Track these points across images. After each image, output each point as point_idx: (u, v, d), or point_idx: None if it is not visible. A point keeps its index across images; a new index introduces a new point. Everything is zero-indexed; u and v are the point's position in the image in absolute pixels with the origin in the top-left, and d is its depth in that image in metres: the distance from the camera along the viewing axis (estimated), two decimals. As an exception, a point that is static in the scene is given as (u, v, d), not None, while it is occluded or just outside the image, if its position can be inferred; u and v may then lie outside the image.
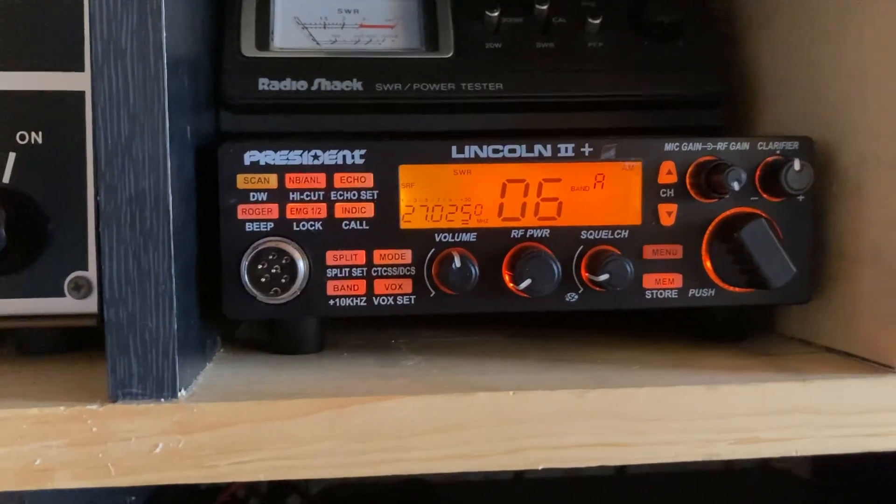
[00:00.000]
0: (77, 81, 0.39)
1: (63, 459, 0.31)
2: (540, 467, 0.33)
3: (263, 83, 0.42)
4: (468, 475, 0.71)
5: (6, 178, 0.38)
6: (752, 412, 0.34)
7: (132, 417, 0.31)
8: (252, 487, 0.68)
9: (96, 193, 0.37)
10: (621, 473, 0.70)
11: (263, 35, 0.43)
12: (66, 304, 0.38)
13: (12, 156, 0.38)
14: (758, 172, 0.38)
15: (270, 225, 0.37)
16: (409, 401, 0.32)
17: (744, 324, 0.43)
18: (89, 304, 0.38)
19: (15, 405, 0.32)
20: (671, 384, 0.34)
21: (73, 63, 0.39)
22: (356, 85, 0.43)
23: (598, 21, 0.44)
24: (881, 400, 0.34)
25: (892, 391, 0.34)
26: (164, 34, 0.31)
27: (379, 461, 0.32)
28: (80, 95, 0.39)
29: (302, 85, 0.42)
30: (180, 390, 0.32)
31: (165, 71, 0.31)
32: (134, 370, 0.32)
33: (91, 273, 0.38)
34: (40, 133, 0.38)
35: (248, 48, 0.43)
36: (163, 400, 0.32)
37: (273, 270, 0.36)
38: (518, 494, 0.60)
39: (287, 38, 0.44)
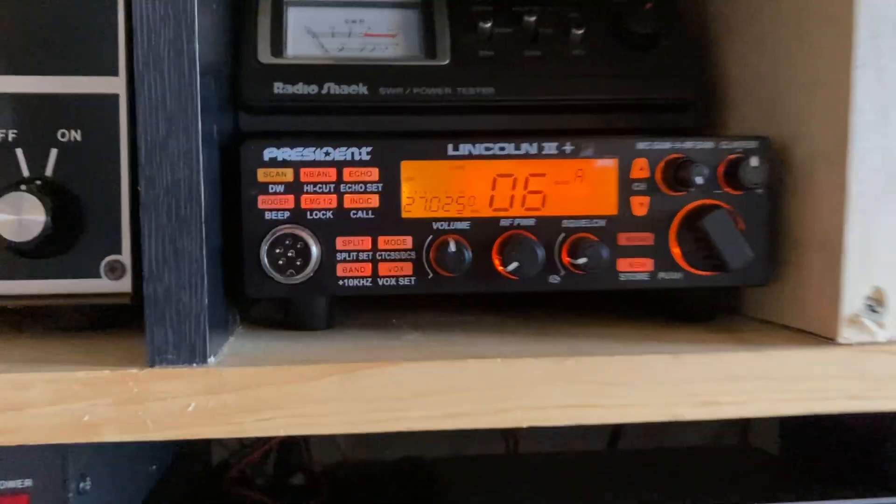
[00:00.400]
0: (112, 85, 0.43)
1: (108, 416, 0.36)
2: (524, 426, 0.38)
3: (278, 87, 0.46)
4: (464, 452, 0.75)
5: (49, 172, 0.42)
6: (712, 378, 0.38)
7: (168, 380, 0.36)
8: (259, 466, 0.72)
9: (134, 184, 0.42)
10: (612, 447, 0.75)
11: (278, 43, 0.48)
12: (102, 285, 0.42)
13: (54, 152, 0.42)
14: (720, 168, 0.43)
15: (287, 214, 0.41)
16: (409, 366, 0.37)
17: (710, 305, 0.47)
18: (124, 285, 0.42)
19: (65, 370, 0.36)
20: (641, 354, 0.38)
21: (108, 69, 0.43)
22: (361, 89, 0.47)
23: (581, 31, 0.49)
24: (824, 368, 0.39)
25: (833, 360, 0.39)
26: (197, 45, 0.36)
27: (383, 419, 0.37)
28: (114, 98, 0.43)
29: (313, 89, 0.47)
30: (210, 357, 0.37)
31: (198, 77, 0.36)
32: (169, 339, 0.36)
33: (125, 256, 0.42)
34: (79, 131, 0.43)
35: (264, 55, 0.47)
36: (195, 365, 0.36)
37: (289, 254, 0.41)
38: (512, 469, 0.65)
39: (299, 46, 0.49)
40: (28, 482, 0.41)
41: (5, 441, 0.36)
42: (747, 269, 0.42)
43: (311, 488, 0.67)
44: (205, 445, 0.70)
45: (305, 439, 0.70)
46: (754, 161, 0.42)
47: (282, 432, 0.36)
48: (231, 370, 0.36)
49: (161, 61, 0.36)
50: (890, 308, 0.39)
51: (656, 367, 0.38)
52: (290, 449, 0.73)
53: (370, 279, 0.42)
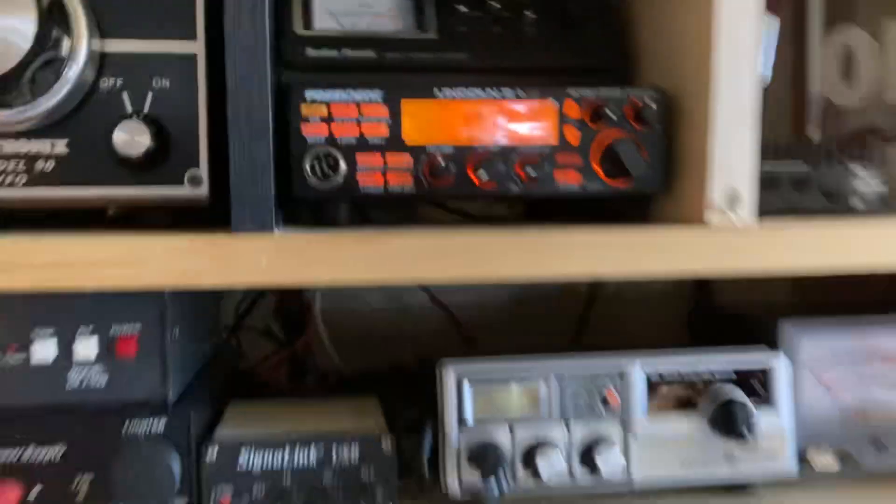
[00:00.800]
0: (192, 47, 0.59)
1: (205, 269, 0.52)
2: (493, 280, 0.55)
3: (310, 51, 0.63)
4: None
5: (147, 109, 0.58)
6: (611, 248, 0.56)
7: (247, 243, 0.52)
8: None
9: (210, 119, 0.57)
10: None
11: (308, 19, 0.64)
12: (185, 191, 0.58)
13: (150, 94, 0.58)
14: (628, 110, 0.60)
15: (322, 138, 0.58)
16: (415, 237, 0.54)
17: (626, 210, 0.65)
18: (202, 191, 0.58)
19: (172, 238, 0.52)
20: (565, 232, 0.56)
21: (190, 35, 0.59)
22: (370, 53, 0.64)
23: (532, 15, 0.66)
24: (698, 242, 0.56)
25: (705, 237, 0.56)
26: (266, 14, 0.53)
27: (399, 275, 0.53)
28: (193, 56, 0.59)
29: (334, 53, 0.63)
30: (275, 229, 0.53)
31: (267, 38, 0.53)
32: (247, 214, 0.53)
33: (202, 170, 0.58)
34: (168, 80, 0.58)
35: (298, 28, 0.64)
36: (265, 233, 0.53)
37: (324, 167, 0.57)
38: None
39: (322, 22, 0.65)
40: (138, 327, 0.57)
41: (137, 284, 0.52)
42: (648, 181, 0.60)
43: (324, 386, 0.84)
44: (235, 350, 0.87)
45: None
46: (651, 105, 0.60)
47: (325, 281, 0.53)
48: (290, 237, 0.53)
49: (243, 24, 0.52)
50: (742, 202, 0.57)
51: (576, 239, 0.55)
52: (305, 360, 0.90)
53: (382, 187, 0.59)
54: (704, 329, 0.81)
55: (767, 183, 0.67)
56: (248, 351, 0.90)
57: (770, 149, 0.66)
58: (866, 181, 0.70)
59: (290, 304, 0.94)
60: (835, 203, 0.69)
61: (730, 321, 0.76)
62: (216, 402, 0.69)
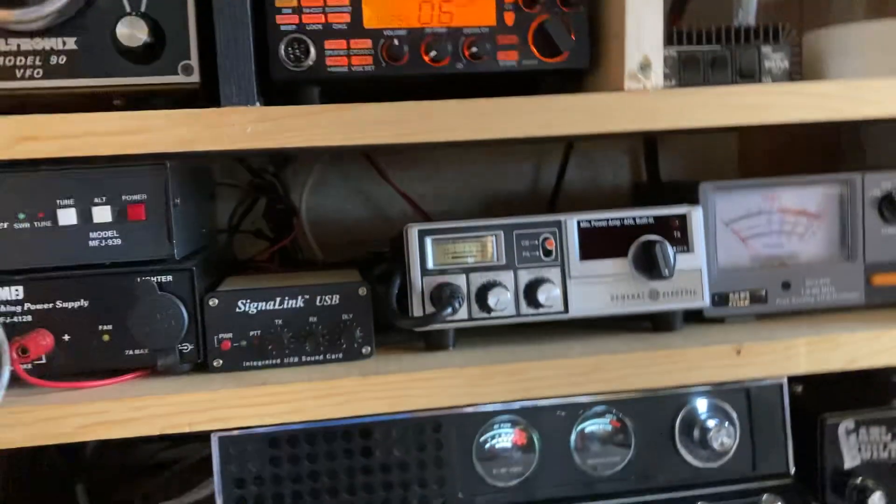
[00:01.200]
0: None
1: (200, 136, 0.62)
2: (441, 140, 0.65)
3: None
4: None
5: (143, 8, 0.67)
6: (545, 112, 0.66)
7: (234, 115, 0.62)
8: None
9: (199, 18, 0.67)
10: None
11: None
12: (179, 79, 0.68)
13: (145, -3, 0.68)
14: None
15: (294, 26, 0.67)
16: (376, 107, 0.64)
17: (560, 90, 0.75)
18: (194, 78, 0.68)
19: (172, 112, 0.62)
20: (508, 100, 0.66)
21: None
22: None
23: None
24: (619, 104, 0.67)
25: (622, 99, 0.67)
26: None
27: (362, 139, 0.64)
28: (178, -38, 0.68)
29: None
30: (257, 102, 0.63)
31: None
32: (234, 91, 0.63)
33: (193, 61, 0.68)
34: (160, -15, 0.68)
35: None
36: (249, 106, 0.63)
37: (297, 51, 0.67)
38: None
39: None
40: (143, 196, 0.67)
41: (143, 151, 0.62)
42: (576, 56, 0.70)
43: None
44: (230, 244, 0.97)
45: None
46: (577, -10, 0.69)
47: (304, 143, 0.63)
48: (270, 108, 0.63)
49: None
50: (653, 69, 0.67)
51: (524, 105, 0.66)
52: (293, 254, 1.01)
53: (347, 68, 0.68)
54: (645, 198, 0.92)
55: (688, 62, 0.77)
56: (242, 251, 1.01)
57: (692, 34, 0.76)
58: (775, 60, 0.80)
59: (277, 207, 1.04)
60: (747, 80, 0.79)
61: (666, 189, 0.87)
62: (216, 276, 0.80)
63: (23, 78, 0.66)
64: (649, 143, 1.01)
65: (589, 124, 0.67)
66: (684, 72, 0.77)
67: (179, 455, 1.05)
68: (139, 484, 0.99)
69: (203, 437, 0.67)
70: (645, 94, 0.67)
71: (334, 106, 0.63)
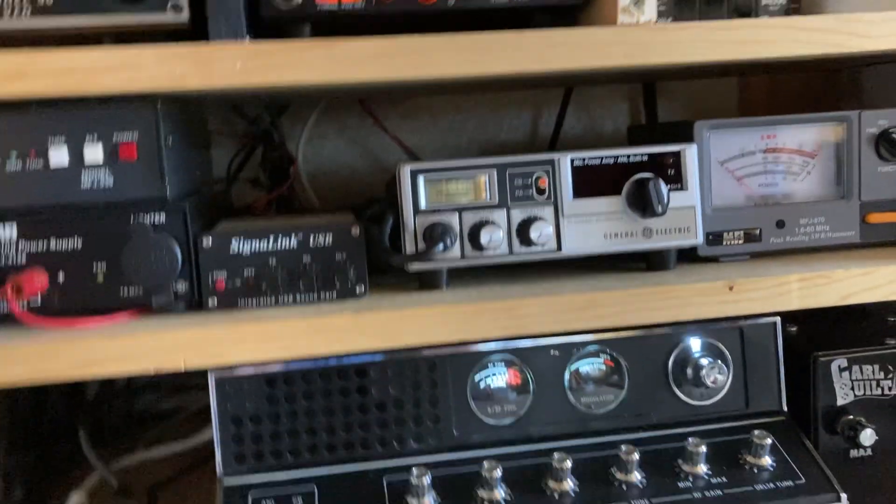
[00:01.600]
0: None
1: (190, 73, 0.62)
2: (436, 77, 0.64)
3: None
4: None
5: (130, -50, 0.67)
6: (539, 47, 0.65)
7: (224, 50, 0.62)
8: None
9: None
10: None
11: None
12: (170, 17, 0.68)
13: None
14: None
15: (283, -37, 0.67)
16: (366, 41, 0.63)
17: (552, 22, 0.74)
18: (183, 16, 0.68)
19: (161, 47, 0.62)
20: (499, 34, 0.65)
21: None
22: None
23: None
24: (609, 39, 0.66)
25: (612, 34, 0.66)
26: None
27: (353, 76, 0.63)
28: None
29: None
30: (245, 39, 0.63)
31: None
32: (223, 30, 0.63)
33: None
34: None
35: None
36: (238, 41, 0.63)
37: (286, -11, 0.67)
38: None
39: None
40: (136, 135, 0.67)
41: (133, 88, 0.61)
42: (569, -8, 0.70)
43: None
44: (227, 192, 0.98)
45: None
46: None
47: (294, 80, 0.63)
48: (259, 43, 0.62)
49: None
50: (646, 3, 0.67)
51: (516, 40, 0.65)
52: (290, 201, 1.01)
53: (336, 5, 0.68)
54: (641, 140, 0.92)
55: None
56: (240, 200, 1.02)
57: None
58: (772, -4, 0.79)
59: (273, 155, 1.04)
60: (744, 17, 0.78)
61: (662, 129, 0.87)
62: (212, 219, 0.80)
63: (11, 16, 0.65)
64: (648, 88, 1.01)
65: (582, 59, 0.66)
66: (680, 9, 0.76)
67: (180, 404, 1.06)
68: (141, 431, 1.00)
69: (202, 387, 0.68)
70: (638, 27, 0.67)
71: (323, 40, 0.63)
